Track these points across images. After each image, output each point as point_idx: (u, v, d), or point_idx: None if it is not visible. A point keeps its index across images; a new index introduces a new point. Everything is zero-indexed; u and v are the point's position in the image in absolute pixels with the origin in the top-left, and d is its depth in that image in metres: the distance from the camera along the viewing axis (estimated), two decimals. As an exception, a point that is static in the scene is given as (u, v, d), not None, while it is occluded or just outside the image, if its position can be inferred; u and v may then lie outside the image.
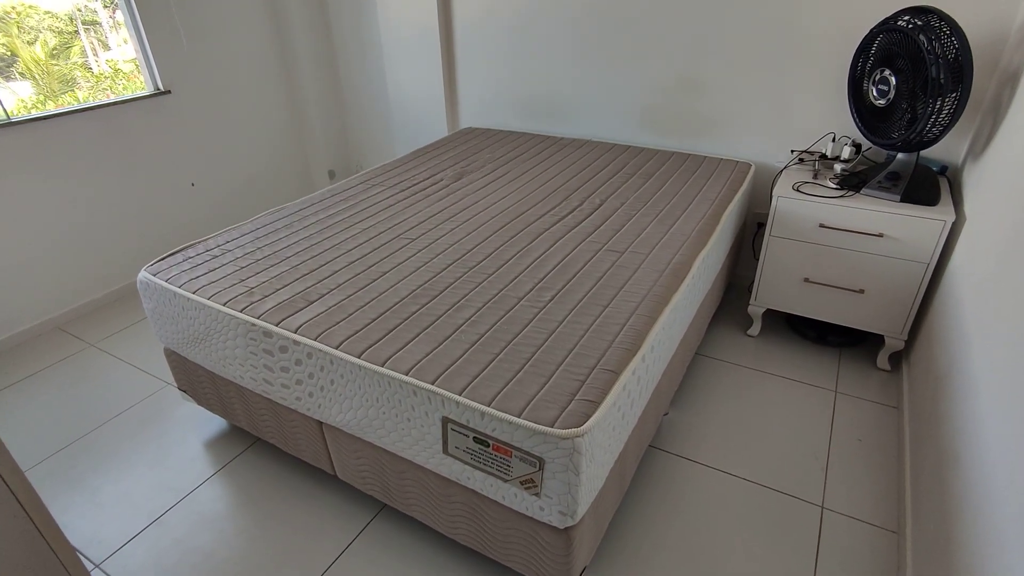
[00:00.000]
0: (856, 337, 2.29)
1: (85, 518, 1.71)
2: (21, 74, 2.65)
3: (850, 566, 1.50)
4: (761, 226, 2.60)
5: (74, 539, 1.65)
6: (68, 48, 2.78)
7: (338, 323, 1.46)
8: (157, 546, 1.61)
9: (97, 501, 1.76)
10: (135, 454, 1.92)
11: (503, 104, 3.01)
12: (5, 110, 2.39)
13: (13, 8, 2.55)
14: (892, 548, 1.53)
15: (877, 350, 2.25)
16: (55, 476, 1.85)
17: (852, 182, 2.04)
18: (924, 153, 2.16)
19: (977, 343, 1.36)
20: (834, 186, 2.05)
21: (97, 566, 1.57)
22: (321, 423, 1.57)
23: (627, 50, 2.56)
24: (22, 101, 2.63)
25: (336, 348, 1.38)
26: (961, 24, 1.91)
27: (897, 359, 2.21)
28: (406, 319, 1.47)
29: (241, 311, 1.53)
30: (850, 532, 1.58)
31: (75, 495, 1.79)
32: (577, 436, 1.10)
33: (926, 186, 1.93)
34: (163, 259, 1.81)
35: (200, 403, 1.93)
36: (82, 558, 1.59)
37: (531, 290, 1.57)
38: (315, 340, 1.41)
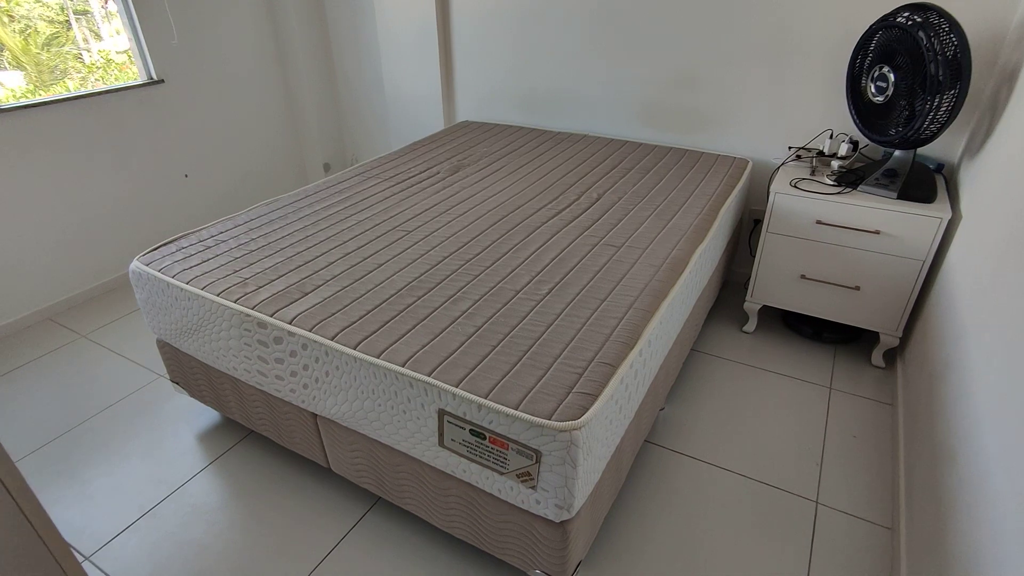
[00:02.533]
0: (851, 334, 2.30)
1: (76, 510, 1.69)
2: (10, 63, 2.61)
3: (844, 561, 1.50)
4: (758, 223, 2.61)
5: (64, 531, 1.63)
6: (58, 38, 2.75)
7: (333, 314, 1.45)
8: (149, 538, 1.60)
9: (88, 493, 1.74)
10: (127, 446, 1.91)
11: (500, 98, 3.00)
12: (-7, 98, 2.36)
13: (2, -4, 2.51)
14: (886, 544, 1.54)
15: (872, 347, 2.26)
16: (45, 468, 1.83)
17: (849, 179, 2.04)
18: (921, 151, 2.16)
19: (973, 340, 1.37)
20: (831, 183, 2.05)
21: (87, 558, 1.55)
22: (316, 415, 1.56)
23: (626, 45, 2.55)
24: (11, 91, 2.60)
25: (331, 339, 1.37)
26: (960, 21, 1.91)
27: (892, 356, 2.22)
28: (402, 311, 1.46)
29: (235, 302, 1.52)
30: (845, 528, 1.59)
31: (66, 487, 1.77)
32: (575, 429, 1.10)
33: (923, 183, 1.93)
34: (156, 249, 1.78)
35: (193, 395, 1.91)
36: (72, 550, 1.58)
37: (528, 283, 1.57)
38: (310, 331, 1.40)
